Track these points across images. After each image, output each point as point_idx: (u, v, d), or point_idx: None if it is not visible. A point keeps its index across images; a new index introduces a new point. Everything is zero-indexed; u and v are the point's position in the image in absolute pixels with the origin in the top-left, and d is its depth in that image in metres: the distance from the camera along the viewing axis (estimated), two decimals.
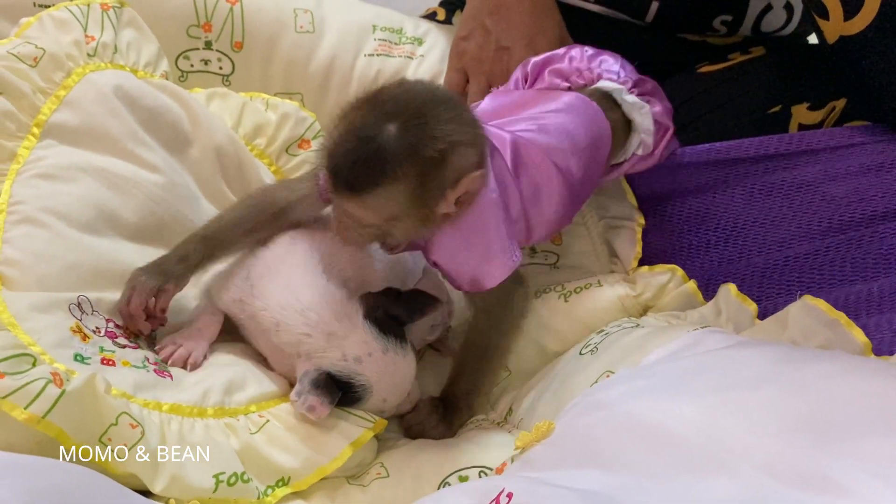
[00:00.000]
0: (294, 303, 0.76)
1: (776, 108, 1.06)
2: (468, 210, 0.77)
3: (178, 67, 1.03)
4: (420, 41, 1.11)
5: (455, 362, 0.85)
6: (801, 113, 1.05)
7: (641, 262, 1.00)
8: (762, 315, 0.85)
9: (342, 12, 1.09)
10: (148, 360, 0.74)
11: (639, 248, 0.99)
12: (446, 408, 0.83)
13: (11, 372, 0.60)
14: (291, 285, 0.77)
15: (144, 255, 0.81)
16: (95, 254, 0.77)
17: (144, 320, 0.76)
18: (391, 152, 0.70)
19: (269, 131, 0.99)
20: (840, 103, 1.05)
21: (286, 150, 0.99)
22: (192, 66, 1.03)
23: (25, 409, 0.59)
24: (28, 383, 0.59)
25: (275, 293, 0.77)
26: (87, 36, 0.90)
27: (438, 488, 0.73)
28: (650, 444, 0.60)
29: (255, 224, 0.81)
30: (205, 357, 0.78)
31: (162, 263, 0.78)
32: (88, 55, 0.89)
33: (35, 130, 0.84)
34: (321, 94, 1.07)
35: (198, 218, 0.88)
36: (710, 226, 0.98)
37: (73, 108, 0.85)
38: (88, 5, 0.92)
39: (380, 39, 1.09)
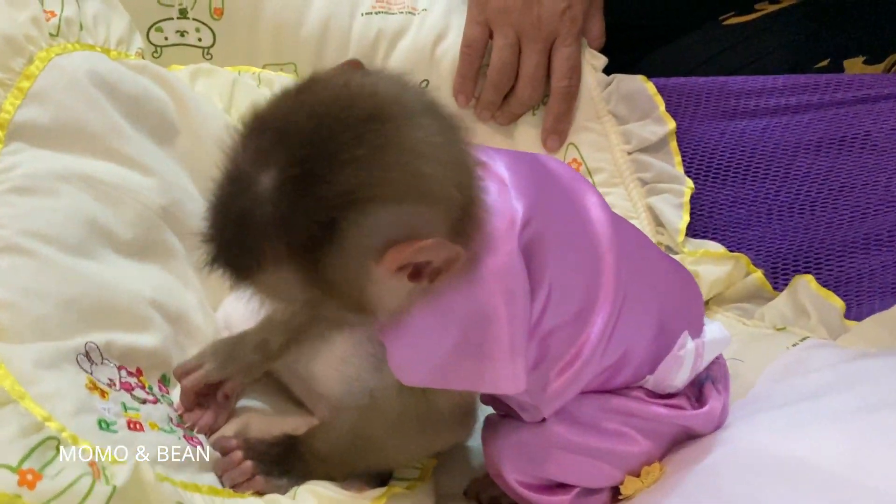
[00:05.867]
0: (330, 356, 0.66)
1: (824, 63, 0.96)
2: (452, 285, 0.51)
3: (150, 42, 0.88)
4: None
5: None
6: (856, 68, 0.94)
7: (692, 234, 0.91)
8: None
9: None
10: (171, 419, 0.62)
11: (686, 216, 0.89)
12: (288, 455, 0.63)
13: (42, 464, 0.47)
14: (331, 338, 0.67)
15: (148, 277, 0.68)
16: (94, 283, 0.63)
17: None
18: (257, 224, 0.47)
19: None
20: None
21: None
22: (166, 38, 0.89)
23: None
24: (72, 484, 0.46)
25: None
26: (45, 11, 0.74)
27: None
28: (787, 482, 0.51)
29: None
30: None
31: (237, 346, 0.66)
32: (51, 35, 0.73)
33: None
34: (316, 63, 0.92)
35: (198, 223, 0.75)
36: (770, 190, 0.89)
37: (42, 101, 0.69)
38: None
39: None
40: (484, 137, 0.94)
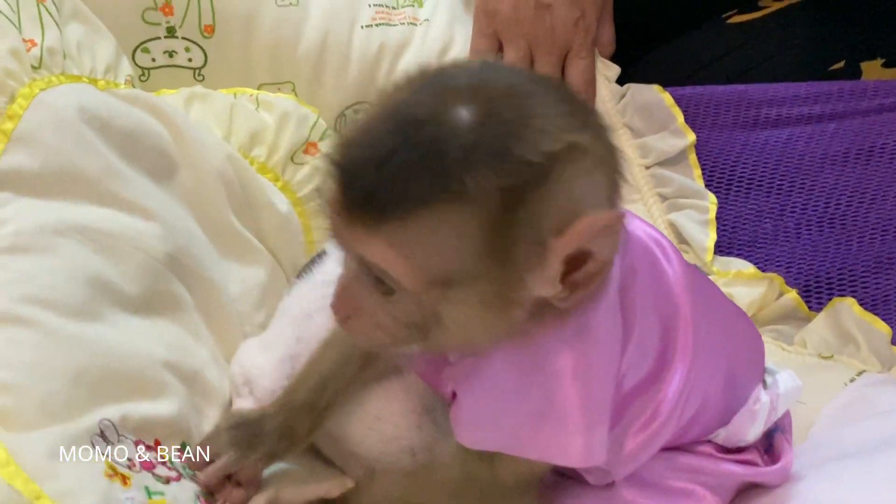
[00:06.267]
0: (363, 414, 0.61)
1: (839, 65, 0.91)
2: (581, 306, 0.46)
3: (136, 64, 0.82)
4: (419, 2, 0.93)
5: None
6: (874, 70, 0.91)
7: (716, 250, 0.87)
8: None
9: None
10: (199, 497, 0.57)
11: (713, 233, 0.86)
12: None
13: None
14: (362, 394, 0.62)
15: (158, 334, 0.63)
16: (103, 349, 0.57)
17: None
18: (457, 148, 0.41)
19: (268, 137, 0.79)
20: None
21: (291, 159, 0.80)
22: (153, 60, 0.82)
23: None
24: None
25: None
26: (25, 41, 0.67)
27: None
28: None
29: (364, 360, 0.60)
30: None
31: (258, 432, 0.60)
32: (33, 67, 0.67)
33: None
34: (315, 81, 0.87)
35: (207, 269, 0.69)
36: (796, 203, 0.85)
37: (29, 144, 0.63)
38: None
39: (376, 5, 0.90)
40: None
